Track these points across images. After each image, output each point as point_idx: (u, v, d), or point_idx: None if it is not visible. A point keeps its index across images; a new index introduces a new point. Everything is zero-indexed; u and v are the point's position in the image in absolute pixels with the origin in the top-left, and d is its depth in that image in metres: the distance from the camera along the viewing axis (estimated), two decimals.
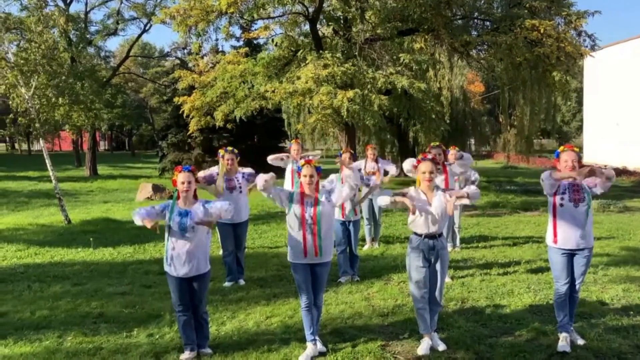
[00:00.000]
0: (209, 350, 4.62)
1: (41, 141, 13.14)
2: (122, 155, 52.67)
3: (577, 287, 4.72)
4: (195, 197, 4.55)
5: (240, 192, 6.83)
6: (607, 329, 4.96)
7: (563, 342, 4.58)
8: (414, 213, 4.49)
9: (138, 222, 4.42)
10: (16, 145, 58.63)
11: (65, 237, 10.27)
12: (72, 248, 9.11)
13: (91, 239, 9.42)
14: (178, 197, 4.48)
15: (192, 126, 15.18)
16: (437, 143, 6.91)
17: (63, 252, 8.88)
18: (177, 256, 4.40)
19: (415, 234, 4.63)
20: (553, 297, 4.83)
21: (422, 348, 4.58)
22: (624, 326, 5.04)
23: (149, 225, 4.37)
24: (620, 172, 24.91)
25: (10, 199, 16.93)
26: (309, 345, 4.54)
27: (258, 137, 27.68)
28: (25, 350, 4.73)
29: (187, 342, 4.54)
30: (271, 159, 8.65)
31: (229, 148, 6.89)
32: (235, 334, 5.05)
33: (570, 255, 4.65)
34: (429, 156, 4.70)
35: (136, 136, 59.81)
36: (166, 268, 4.50)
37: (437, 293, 4.70)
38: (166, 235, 4.46)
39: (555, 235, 4.64)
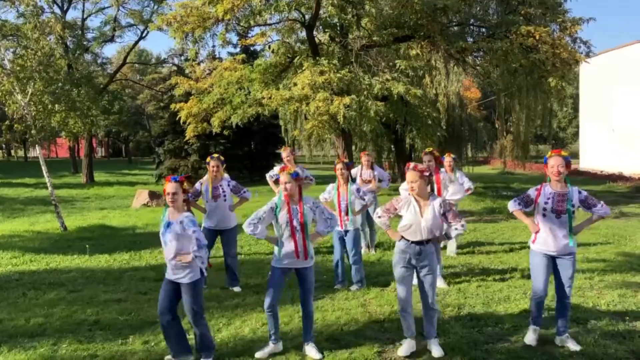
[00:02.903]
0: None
1: (37, 148, 13.11)
2: (118, 161, 52.63)
3: (567, 291, 4.73)
4: (186, 207, 4.56)
5: (225, 200, 6.87)
6: (603, 335, 4.96)
7: (530, 333, 4.79)
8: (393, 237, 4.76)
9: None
10: (12, 152, 58.51)
11: (61, 243, 10.24)
12: (68, 255, 9.07)
13: (87, 245, 9.39)
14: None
15: (189, 133, 15.17)
16: (430, 149, 6.96)
17: (59, 259, 8.85)
18: (167, 263, 4.49)
19: (404, 238, 4.68)
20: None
21: (403, 349, 4.65)
22: (620, 332, 5.04)
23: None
24: (617, 178, 25.00)
25: (6, 206, 16.88)
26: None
27: (255, 144, 27.73)
28: (20, 358, 4.70)
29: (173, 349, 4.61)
30: (269, 179, 8.60)
31: (215, 155, 6.98)
32: (231, 340, 5.03)
33: (551, 258, 4.71)
34: (414, 165, 4.68)
35: (133, 143, 59.75)
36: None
37: (429, 299, 4.70)
38: None
39: (535, 237, 4.76)
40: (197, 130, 14.90)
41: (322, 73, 11.42)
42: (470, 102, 29.10)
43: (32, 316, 5.81)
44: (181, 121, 14.95)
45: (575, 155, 48.96)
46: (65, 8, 28.56)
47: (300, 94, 11.48)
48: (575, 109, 46.84)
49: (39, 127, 12.92)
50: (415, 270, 4.69)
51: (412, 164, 4.70)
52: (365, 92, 11.81)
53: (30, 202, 17.94)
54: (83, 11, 29.22)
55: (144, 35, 30.33)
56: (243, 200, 7.03)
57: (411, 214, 4.60)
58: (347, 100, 11.13)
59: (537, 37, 11.58)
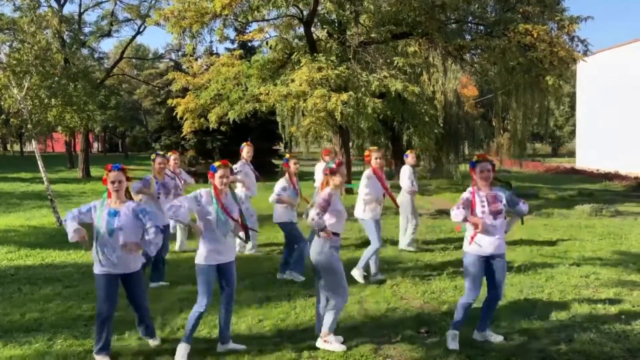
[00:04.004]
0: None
1: (33, 142, 13.06)
2: (115, 156, 52.47)
3: (500, 293, 4.84)
4: (127, 196, 4.52)
5: (158, 197, 6.97)
6: (599, 333, 4.97)
7: (450, 339, 4.75)
8: (329, 236, 4.71)
9: (72, 238, 4.26)
10: (8, 147, 58.30)
11: (56, 238, 10.20)
12: (64, 250, 9.04)
13: (83, 246, 9.34)
14: (109, 196, 4.47)
15: (186, 128, 15.15)
16: (375, 148, 7.26)
17: (54, 254, 8.83)
18: (107, 257, 4.36)
19: (335, 234, 4.77)
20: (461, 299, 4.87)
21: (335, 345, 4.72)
22: (616, 330, 5.05)
23: (78, 238, 4.25)
24: (613, 176, 25.06)
25: (2, 200, 16.81)
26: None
27: (252, 140, 27.63)
28: (15, 353, 4.69)
29: (104, 345, 4.46)
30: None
31: (160, 152, 7.06)
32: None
33: (485, 260, 4.72)
34: (338, 162, 4.88)
35: (129, 138, 59.62)
36: (95, 268, 4.46)
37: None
38: (94, 235, 4.42)
39: (472, 240, 4.72)
40: (194, 125, 14.88)
41: (319, 69, 11.41)
42: (468, 99, 29.11)
43: (28, 311, 5.79)
44: (178, 117, 14.93)
45: (571, 153, 49.07)
46: (62, 2, 28.32)
47: (298, 91, 11.46)
48: (572, 107, 46.93)
49: (35, 121, 12.86)
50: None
51: (339, 162, 4.91)
52: (362, 89, 11.80)
53: (26, 197, 17.85)
54: (80, 5, 29.03)
55: (141, 30, 30.09)
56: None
57: (341, 206, 4.81)
58: (344, 96, 11.12)
59: (535, 36, 11.59)
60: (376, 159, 6.96)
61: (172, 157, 8.21)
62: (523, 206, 4.76)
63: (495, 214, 4.62)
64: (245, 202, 8.33)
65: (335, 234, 4.77)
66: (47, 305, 6.01)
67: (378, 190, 6.94)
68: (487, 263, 4.73)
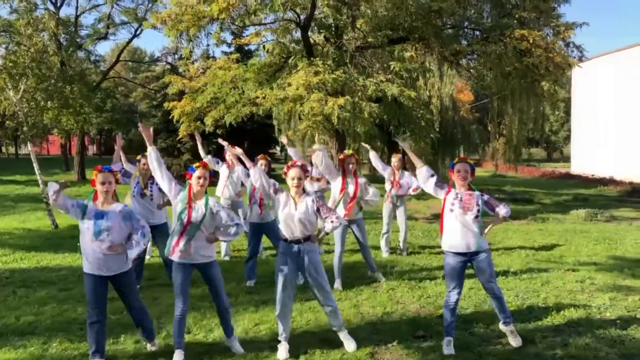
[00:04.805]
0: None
1: (29, 145, 13.02)
2: (110, 159, 52.25)
3: (490, 286, 4.81)
4: (114, 198, 4.49)
5: (152, 199, 6.86)
6: (594, 338, 4.98)
7: (445, 344, 4.74)
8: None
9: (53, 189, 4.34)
10: (3, 149, 58.09)
11: (52, 241, 10.17)
12: (59, 253, 9.01)
13: (78, 244, 9.30)
14: (95, 198, 4.42)
15: (182, 131, 15.10)
16: (351, 152, 7.16)
17: (50, 257, 8.79)
18: (93, 258, 4.35)
19: (283, 239, 4.75)
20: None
21: (280, 353, 4.63)
22: (611, 335, 5.06)
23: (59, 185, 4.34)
24: (608, 181, 25.17)
25: None
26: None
27: (248, 143, 27.65)
28: (10, 357, 4.66)
29: (97, 349, 4.41)
30: (208, 160, 8.58)
31: (146, 153, 6.99)
32: (223, 341, 5.01)
33: (463, 258, 4.74)
34: (298, 163, 4.84)
35: (125, 141, 59.56)
36: (83, 266, 4.45)
37: (320, 295, 4.79)
38: (80, 236, 4.42)
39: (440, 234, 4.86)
40: (190, 129, 14.80)
41: (316, 74, 11.41)
42: (463, 104, 29.16)
43: (22, 314, 5.76)
44: (174, 120, 14.88)
45: (566, 158, 49.27)
46: (59, 5, 28.33)
47: (295, 94, 11.47)
48: (567, 112, 47.12)
49: (30, 123, 12.84)
50: (299, 272, 4.78)
51: (296, 162, 4.86)
52: (359, 94, 11.82)
53: (21, 200, 17.78)
54: (77, 8, 29.00)
55: (137, 33, 30.14)
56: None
57: (286, 209, 4.68)
58: (341, 101, 11.13)
59: (531, 41, 11.64)
60: (348, 164, 6.96)
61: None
62: (503, 209, 4.74)
63: (465, 209, 4.66)
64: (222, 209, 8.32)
65: (284, 240, 4.73)
66: (42, 308, 5.99)
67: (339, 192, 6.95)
68: (467, 262, 4.75)
